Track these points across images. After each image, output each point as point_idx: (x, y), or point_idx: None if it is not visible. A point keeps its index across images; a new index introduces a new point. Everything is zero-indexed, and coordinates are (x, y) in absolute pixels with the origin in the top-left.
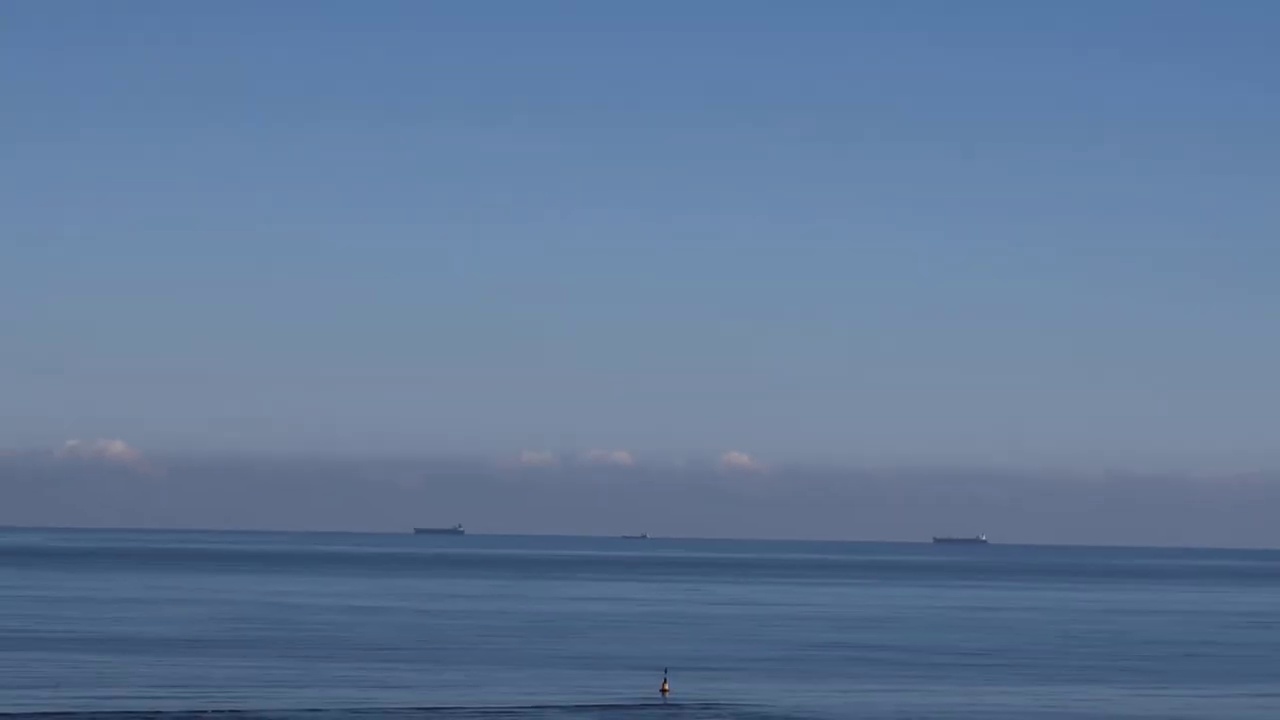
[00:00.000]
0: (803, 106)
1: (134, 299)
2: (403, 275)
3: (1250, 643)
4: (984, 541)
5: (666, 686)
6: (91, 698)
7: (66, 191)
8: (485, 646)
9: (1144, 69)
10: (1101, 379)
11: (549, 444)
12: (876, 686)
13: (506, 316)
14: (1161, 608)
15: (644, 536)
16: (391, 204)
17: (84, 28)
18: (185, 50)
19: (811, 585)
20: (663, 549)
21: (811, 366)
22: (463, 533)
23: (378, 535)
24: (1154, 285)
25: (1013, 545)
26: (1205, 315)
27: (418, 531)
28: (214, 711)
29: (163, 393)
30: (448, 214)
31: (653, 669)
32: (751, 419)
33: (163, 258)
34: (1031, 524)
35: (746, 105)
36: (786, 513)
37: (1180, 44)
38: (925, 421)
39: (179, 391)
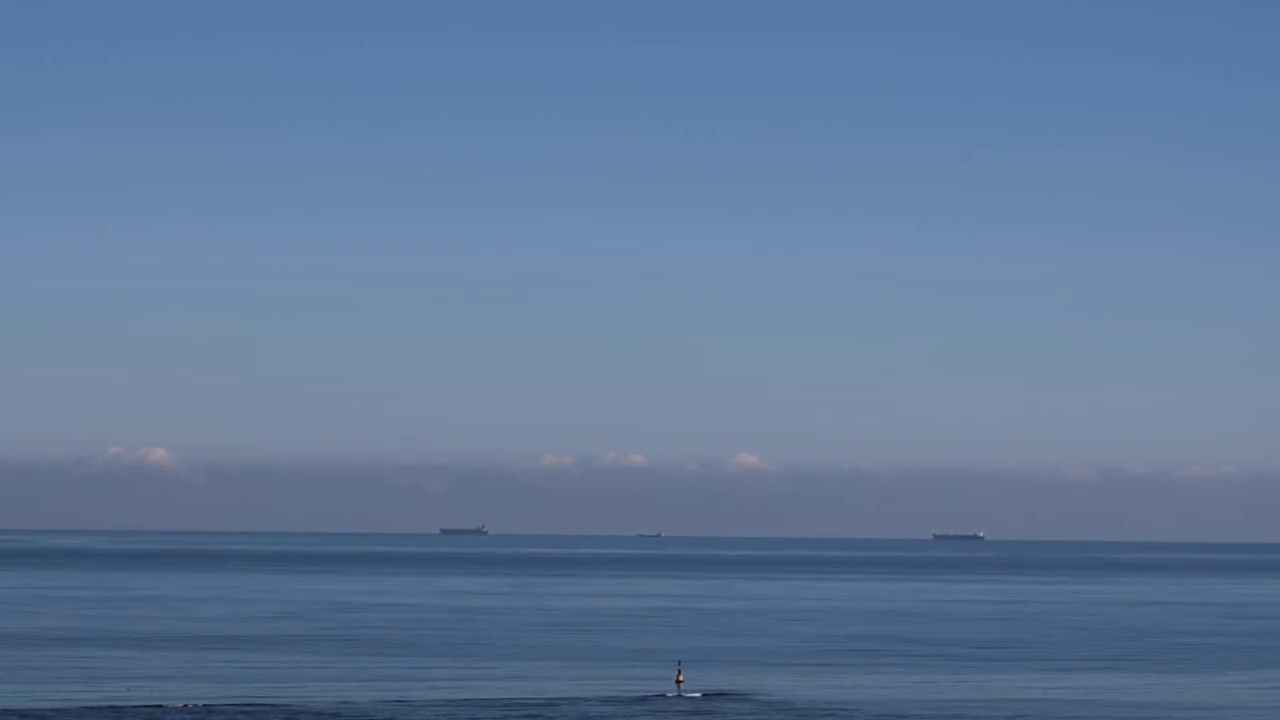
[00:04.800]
0: (802, 109)
1: (168, 311)
2: (425, 285)
3: (1237, 631)
4: (981, 538)
5: (681, 678)
6: (142, 691)
7: (98, 195)
8: (508, 641)
9: (1142, 71)
10: (1095, 382)
11: (568, 448)
12: (887, 678)
13: (527, 325)
14: (1154, 599)
15: (659, 535)
16: (407, 212)
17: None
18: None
19: (819, 581)
20: (676, 547)
21: (815, 371)
22: (486, 533)
23: (405, 536)
24: (1143, 294)
25: (1009, 541)
26: (1192, 322)
27: (443, 532)
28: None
29: (201, 402)
30: (468, 222)
31: (668, 662)
32: (759, 422)
33: (187, 273)
34: (1026, 520)
35: (745, 110)
36: (794, 511)
37: (1177, 46)
38: (925, 422)
39: (216, 401)
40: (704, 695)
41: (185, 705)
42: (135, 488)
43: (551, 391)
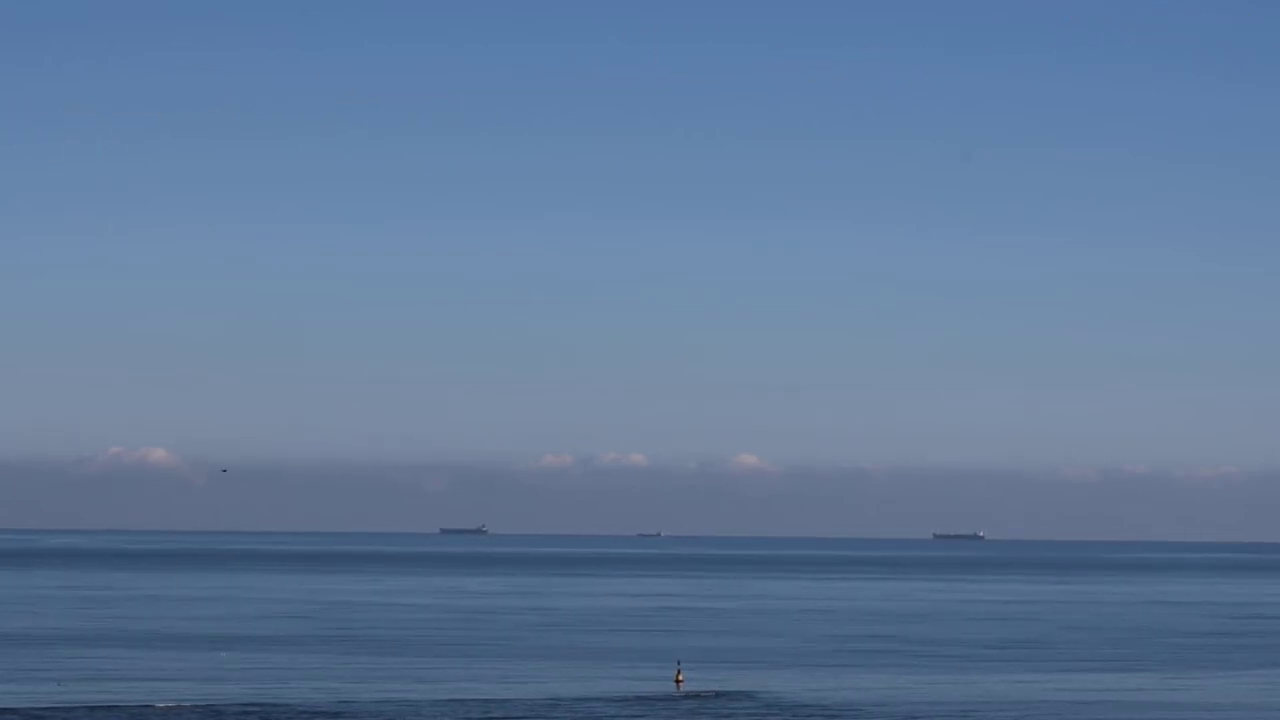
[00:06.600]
0: (802, 109)
1: (168, 311)
2: (425, 285)
3: (1237, 631)
4: (981, 538)
5: (681, 678)
6: (141, 692)
7: (98, 195)
8: (508, 641)
9: (1142, 71)
10: (1095, 382)
11: (568, 448)
12: (888, 678)
13: (527, 325)
14: (1154, 599)
15: (659, 534)
16: (407, 212)
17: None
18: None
19: (819, 580)
20: (676, 547)
21: (815, 371)
22: (486, 533)
23: (405, 535)
24: (1143, 294)
25: (1009, 541)
26: (1192, 322)
27: (443, 531)
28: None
29: (201, 402)
30: (468, 222)
31: (668, 662)
32: (759, 422)
33: (187, 273)
34: (1026, 520)
35: (745, 110)
36: (794, 511)
37: (1177, 46)
38: (925, 422)
39: (216, 401)
40: (705, 695)
41: (183, 705)
42: (135, 488)
43: (551, 391)
